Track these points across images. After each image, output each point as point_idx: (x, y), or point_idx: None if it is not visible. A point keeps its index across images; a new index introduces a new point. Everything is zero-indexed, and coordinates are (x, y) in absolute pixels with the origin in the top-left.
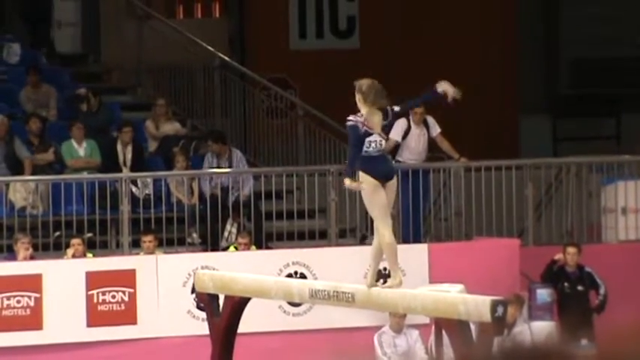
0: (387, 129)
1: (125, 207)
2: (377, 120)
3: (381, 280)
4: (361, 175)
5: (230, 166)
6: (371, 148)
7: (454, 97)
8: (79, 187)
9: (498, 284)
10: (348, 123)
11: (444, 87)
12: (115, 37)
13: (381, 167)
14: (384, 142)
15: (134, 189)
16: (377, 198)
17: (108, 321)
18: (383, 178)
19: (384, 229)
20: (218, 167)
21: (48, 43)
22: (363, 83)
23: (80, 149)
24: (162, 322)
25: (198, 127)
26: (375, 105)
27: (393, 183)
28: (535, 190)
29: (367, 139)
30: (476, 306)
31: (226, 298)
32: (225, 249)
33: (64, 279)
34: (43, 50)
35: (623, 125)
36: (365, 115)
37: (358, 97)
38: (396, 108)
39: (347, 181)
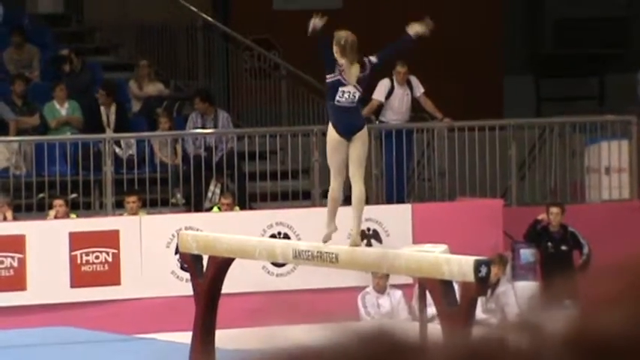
0: (363, 81)
1: (108, 168)
2: (353, 72)
3: (365, 241)
4: (329, 128)
5: (215, 127)
6: (343, 99)
7: (425, 31)
8: (62, 147)
9: (482, 244)
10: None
11: (415, 29)
12: None
13: (349, 121)
14: (357, 94)
15: (117, 150)
16: (334, 156)
17: (91, 282)
18: (348, 133)
19: (333, 183)
20: (203, 127)
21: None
22: (343, 37)
23: (62, 110)
24: (146, 282)
25: (182, 88)
26: (352, 58)
27: (359, 136)
28: (518, 151)
29: (340, 89)
30: (459, 266)
31: (210, 258)
32: (209, 209)
33: (47, 240)
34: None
35: (606, 85)
36: (343, 65)
37: (336, 49)
38: (373, 58)
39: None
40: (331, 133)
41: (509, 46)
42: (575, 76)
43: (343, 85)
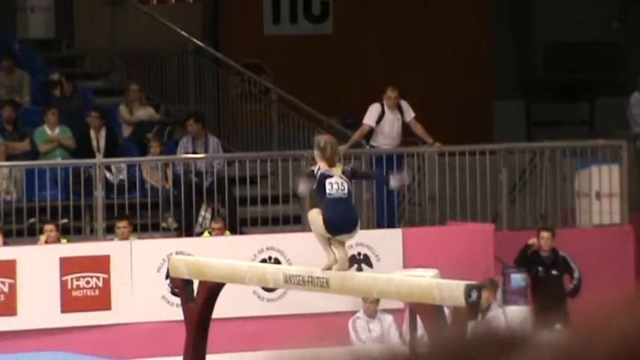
0: (349, 175)
1: (99, 193)
2: (335, 170)
3: (355, 266)
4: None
5: (206, 151)
6: (333, 190)
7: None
8: (52, 172)
9: (472, 269)
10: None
11: (396, 184)
12: (88, 22)
13: (342, 214)
14: (346, 184)
15: (108, 174)
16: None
17: (82, 307)
18: (340, 229)
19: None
20: (194, 152)
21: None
22: (322, 140)
23: (53, 135)
24: (137, 307)
25: (172, 113)
26: (333, 161)
27: (349, 237)
28: (509, 175)
29: (328, 181)
30: (450, 291)
31: (201, 283)
32: (200, 234)
33: (38, 265)
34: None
35: (596, 110)
36: (322, 166)
37: (317, 153)
38: (354, 169)
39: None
40: (318, 222)
41: (499, 70)
42: (566, 100)
43: (330, 176)
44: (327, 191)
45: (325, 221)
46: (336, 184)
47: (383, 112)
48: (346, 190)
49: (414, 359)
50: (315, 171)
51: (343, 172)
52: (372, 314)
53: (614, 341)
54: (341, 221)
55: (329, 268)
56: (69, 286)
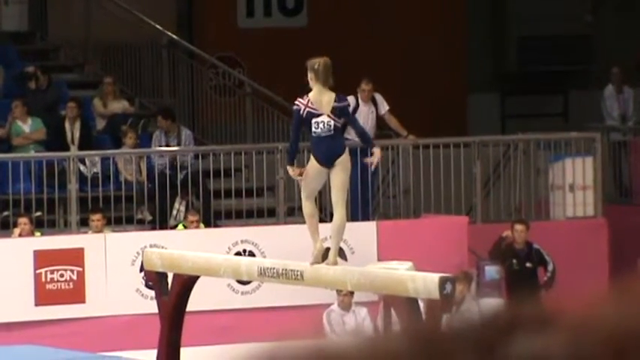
0: (341, 112)
1: (73, 185)
2: (326, 99)
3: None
4: (311, 159)
5: (179, 144)
6: (319, 129)
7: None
8: (26, 165)
9: (447, 262)
10: (294, 107)
11: (369, 159)
12: (62, 14)
13: (328, 150)
14: (332, 122)
15: (82, 167)
16: (312, 183)
17: (56, 300)
18: (329, 162)
19: (305, 203)
20: (167, 145)
21: None
22: (316, 62)
23: (25, 127)
24: (111, 300)
25: (147, 106)
26: (327, 84)
27: (339, 162)
28: (483, 168)
29: (314, 120)
30: (424, 283)
31: (175, 276)
32: (174, 227)
33: (11, 258)
34: None
35: (570, 102)
36: (312, 94)
37: (310, 76)
38: (350, 108)
39: (289, 170)
40: (312, 161)
41: (473, 63)
42: (540, 93)
43: (315, 115)
44: (313, 129)
45: (314, 157)
46: (322, 123)
47: (357, 105)
48: (332, 128)
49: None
50: (302, 111)
51: (333, 110)
52: (346, 307)
53: (604, 338)
54: (326, 156)
55: (317, 260)
56: (43, 279)
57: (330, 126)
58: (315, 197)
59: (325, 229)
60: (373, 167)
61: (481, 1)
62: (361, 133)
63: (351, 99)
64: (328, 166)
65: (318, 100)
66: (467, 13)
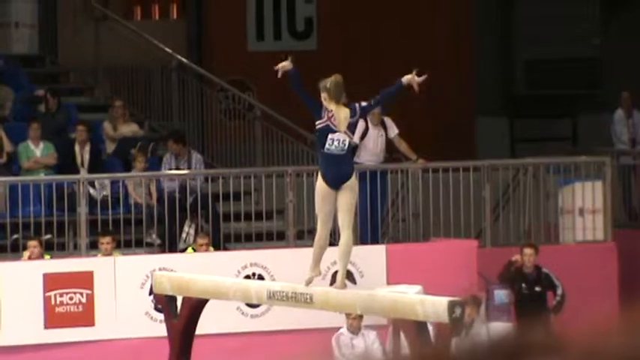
0: (352, 127)
1: (83, 209)
2: (343, 117)
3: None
4: (319, 177)
5: (189, 168)
6: (333, 147)
7: (418, 82)
8: (36, 188)
9: (456, 285)
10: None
11: (407, 79)
12: (72, 38)
13: (337, 170)
14: (347, 140)
15: (92, 190)
16: (323, 206)
17: (65, 323)
18: (337, 183)
19: (320, 230)
20: (177, 169)
21: None
22: (327, 80)
23: (37, 150)
24: (120, 323)
25: (156, 129)
26: (340, 101)
27: (347, 185)
28: (492, 191)
29: (330, 136)
30: (433, 307)
31: (184, 299)
32: (183, 250)
33: (21, 281)
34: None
35: (579, 126)
36: (333, 111)
37: (324, 96)
38: (363, 103)
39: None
40: (320, 181)
41: (482, 87)
42: (549, 117)
43: (333, 131)
44: (326, 146)
45: (322, 177)
46: (337, 141)
47: (367, 129)
48: (346, 147)
49: None
50: (322, 123)
51: (348, 127)
52: (355, 330)
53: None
54: (335, 178)
55: (310, 282)
56: (52, 302)
57: (345, 145)
58: (331, 224)
59: (333, 252)
60: (418, 85)
61: (490, 24)
62: (383, 97)
63: (360, 122)
64: (335, 189)
65: (337, 117)
66: (475, 37)
